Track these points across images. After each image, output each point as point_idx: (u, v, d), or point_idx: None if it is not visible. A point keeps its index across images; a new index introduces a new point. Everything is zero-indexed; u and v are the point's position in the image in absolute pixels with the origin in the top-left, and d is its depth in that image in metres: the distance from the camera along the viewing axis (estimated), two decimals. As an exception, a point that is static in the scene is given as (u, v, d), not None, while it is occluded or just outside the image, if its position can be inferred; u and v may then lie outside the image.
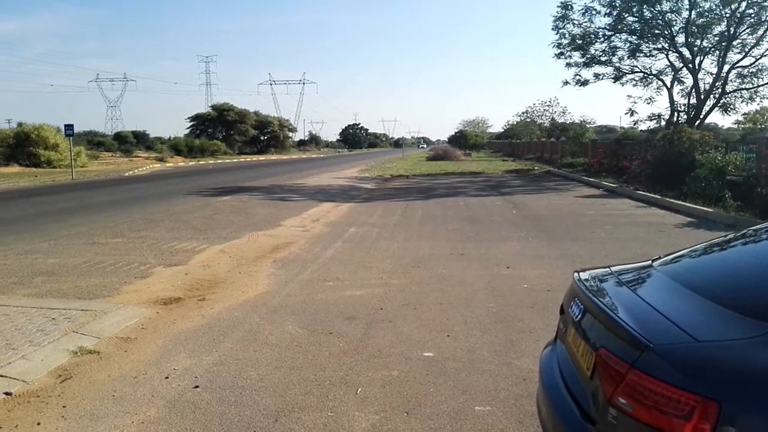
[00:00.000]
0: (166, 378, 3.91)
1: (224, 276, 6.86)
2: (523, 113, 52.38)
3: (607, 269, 2.65)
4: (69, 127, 28.38)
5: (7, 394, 3.62)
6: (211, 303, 5.72)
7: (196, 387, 3.76)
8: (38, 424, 3.27)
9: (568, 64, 24.68)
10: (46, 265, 7.25)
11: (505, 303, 5.56)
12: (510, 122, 63.02)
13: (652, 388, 1.68)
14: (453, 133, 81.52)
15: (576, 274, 2.58)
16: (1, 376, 3.83)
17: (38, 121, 41.01)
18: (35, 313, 5.19)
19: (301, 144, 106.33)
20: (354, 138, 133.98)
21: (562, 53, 24.42)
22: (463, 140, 70.64)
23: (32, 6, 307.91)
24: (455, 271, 6.96)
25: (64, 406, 3.49)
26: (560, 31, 23.95)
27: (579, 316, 2.28)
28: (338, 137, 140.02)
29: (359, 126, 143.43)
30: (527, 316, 5.11)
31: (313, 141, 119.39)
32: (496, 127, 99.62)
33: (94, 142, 62.36)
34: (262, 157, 64.03)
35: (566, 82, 25.58)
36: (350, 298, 5.87)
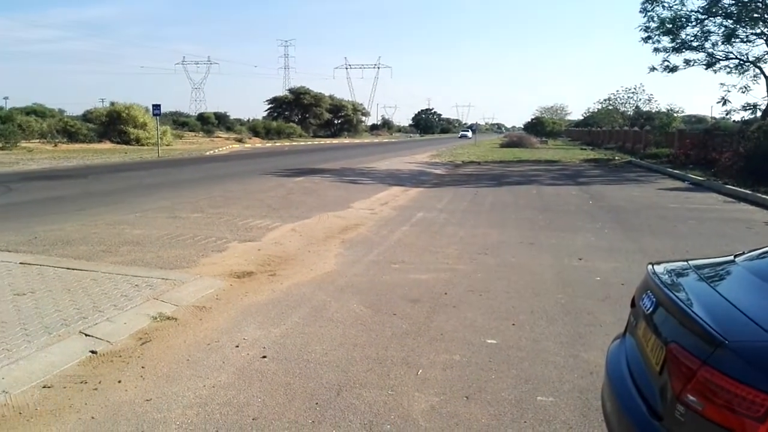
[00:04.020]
0: (237, 347, 4.09)
1: (294, 253, 7.05)
2: (604, 100, 50.33)
3: (685, 263, 2.53)
4: (156, 107, 29.92)
5: (92, 352, 3.91)
6: (281, 278, 5.91)
7: (264, 357, 3.91)
8: (119, 381, 3.51)
9: (656, 50, 23.50)
10: (132, 236, 7.71)
11: (574, 295, 5.41)
12: (590, 109, 60.73)
13: (725, 387, 1.60)
14: (529, 120, 79.35)
15: (650, 266, 2.48)
16: (88, 335, 4.13)
17: (129, 101, 43.39)
18: (120, 279, 5.55)
19: (374, 128, 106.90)
20: (426, 123, 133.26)
21: (649, 37, 23.25)
22: (540, 127, 68.58)
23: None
24: (524, 260, 6.83)
25: (143, 367, 3.73)
26: (648, 13, 22.77)
27: (651, 309, 2.19)
28: (410, 122, 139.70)
29: (432, 111, 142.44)
30: (598, 310, 4.95)
31: (386, 125, 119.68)
32: (576, 114, 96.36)
33: (179, 122, 65.24)
34: (335, 141, 65.01)
35: (653, 68, 24.36)
36: (415, 281, 5.90)
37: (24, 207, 10.88)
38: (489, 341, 4.23)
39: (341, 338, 4.28)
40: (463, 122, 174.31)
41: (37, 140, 34.44)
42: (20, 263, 6.09)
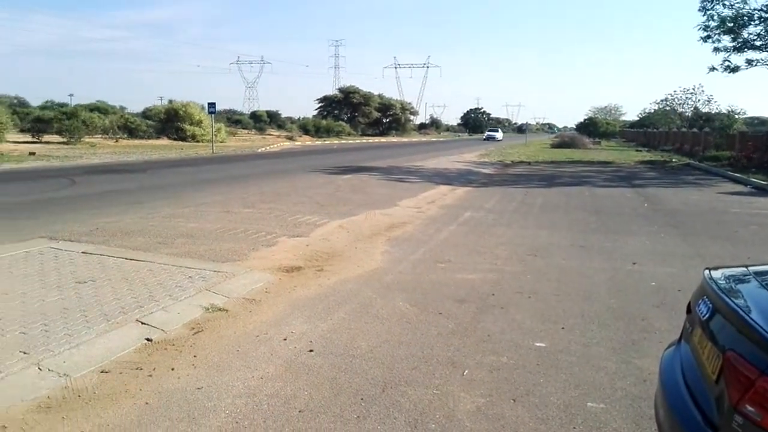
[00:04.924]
0: (285, 340, 4.16)
1: (341, 250, 7.11)
2: (661, 101, 48.65)
3: (744, 268, 2.42)
4: (212, 105, 30.76)
5: (148, 340, 4.05)
6: (328, 274, 5.97)
7: (311, 351, 3.96)
8: (172, 369, 3.63)
9: (716, 49, 22.51)
10: (187, 229, 7.95)
11: (628, 300, 5.25)
12: (646, 110, 58.82)
13: None
14: (581, 120, 77.51)
15: (707, 272, 2.38)
16: (144, 324, 4.29)
17: (186, 99, 44.84)
18: (175, 270, 5.73)
19: (422, 127, 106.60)
20: (475, 122, 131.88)
21: (709, 36, 22.30)
22: (593, 128, 66.94)
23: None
24: (575, 263, 6.68)
25: (194, 356, 3.84)
26: (708, 12, 21.83)
27: (707, 316, 2.11)
28: (459, 121, 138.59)
29: (481, 110, 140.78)
30: (652, 316, 4.79)
31: (434, 124, 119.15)
32: (631, 114, 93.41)
33: (233, 119, 66.96)
34: (383, 139, 65.19)
35: (713, 68, 23.34)
36: (462, 281, 5.85)
37: (86, 199, 11.38)
38: (537, 344, 4.15)
39: (386, 335, 4.29)
40: (513, 122, 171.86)
41: (100, 136, 35.95)
42: (82, 252, 6.37)
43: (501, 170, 22.03)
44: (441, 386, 3.46)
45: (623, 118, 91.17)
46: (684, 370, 2.22)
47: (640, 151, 39.49)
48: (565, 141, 47.18)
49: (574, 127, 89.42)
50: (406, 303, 5.08)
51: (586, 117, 79.63)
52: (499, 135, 71.78)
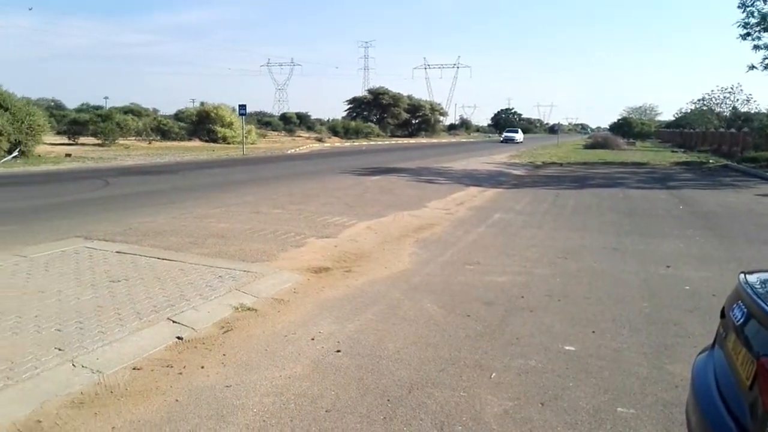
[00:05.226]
0: (312, 340, 4.18)
1: (369, 251, 7.12)
2: (698, 101, 47.44)
3: None
4: (242, 107, 31.18)
5: (178, 338, 4.12)
6: (356, 275, 5.98)
7: (338, 351, 3.98)
8: (202, 367, 3.68)
9: (756, 47, 21.83)
10: (217, 229, 8.07)
11: (661, 304, 5.13)
12: (682, 110, 57.43)
13: None
14: (615, 120, 76.12)
15: (742, 275, 2.32)
16: (175, 322, 4.36)
17: (217, 101, 45.53)
18: (206, 270, 5.82)
19: (452, 128, 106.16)
20: (506, 123, 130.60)
21: (749, 34, 21.67)
22: (627, 128, 65.70)
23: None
24: (607, 266, 6.56)
25: (224, 354, 3.89)
26: (748, 9, 21.24)
27: (742, 321, 2.04)
28: (489, 122, 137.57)
29: (512, 111, 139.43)
30: (686, 320, 4.68)
31: (464, 125, 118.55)
32: (666, 115, 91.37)
33: (263, 121, 67.71)
34: (412, 140, 65.11)
35: (752, 67, 22.69)
36: (490, 283, 5.80)
37: (120, 200, 11.65)
38: (567, 348, 4.09)
39: (414, 337, 4.28)
40: (545, 122, 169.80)
41: (133, 137, 36.79)
42: (116, 252, 6.52)
43: (532, 171, 21.79)
44: (468, 389, 3.44)
45: (659, 118, 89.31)
46: (717, 375, 2.16)
47: (676, 152, 38.60)
48: (598, 142, 46.47)
49: (608, 127, 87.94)
50: (434, 305, 5.05)
51: (620, 117, 78.25)
52: (518, 136, 62.33)
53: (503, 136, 65.49)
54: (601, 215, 10.51)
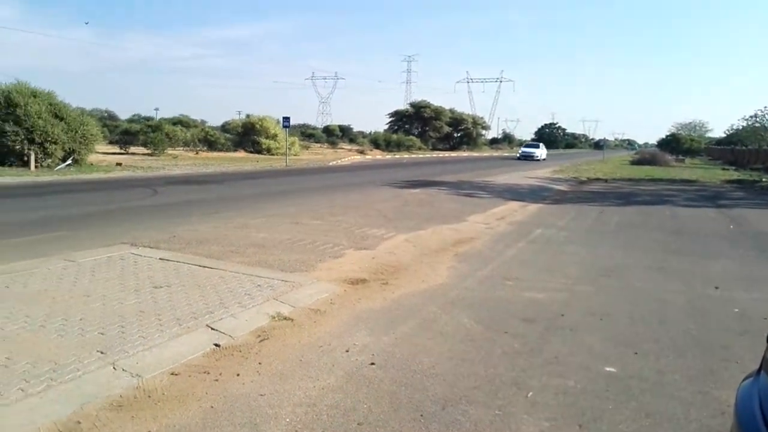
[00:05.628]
0: (347, 351, 4.18)
1: (407, 264, 7.09)
2: (750, 117, 45.72)
3: None
4: (286, 119, 31.69)
5: (216, 345, 4.18)
6: (393, 287, 5.96)
7: (372, 364, 3.96)
8: (237, 375, 3.72)
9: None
10: (258, 239, 8.19)
11: (708, 326, 4.93)
12: (734, 127, 55.47)
13: None
14: (663, 137, 74.12)
15: None
16: (214, 329, 4.43)
17: (262, 113, 46.56)
18: (245, 278, 5.90)
19: (494, 142, 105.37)
20: (549, 137, 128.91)
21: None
22: (676, 144, 63.89)
23: (267, 12, 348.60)
24: (651, 285, 6.35)
25: (259, 363, 3.92)
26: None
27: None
28: (533, 136, 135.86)
29: (556, 125, 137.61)
30: (734, 344, 4.47)
31: (506, 139, 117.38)
32: (717, 131, 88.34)
33: (307, 133, 68.87)
34: (453, 154, 64.89)
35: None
36: (530, 300, 5.69)
37: (166, 208, 11.98)
38: (607, 369, 3.96)
39: (449, 352, 4.22)
40: (590, 137, 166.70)
41: (181, 148, 37.90)
42: (160, 259, 6.69)
43: (575, 187, 21.38)
44: (503, 407, 3.36)
45: (709, 135, 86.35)
46: (762, 403, 2.05)
47: (727, 169, 37.29)
48: (645, 158, 45.36)
49: (656, 143, 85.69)
50: (471, 320, 4.98)
51: (668, 133, 76.19)
52: (539, 152, 50.88)
53: (520, 151, 53.64)
54: (646, 233, 10.21)
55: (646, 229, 10.75)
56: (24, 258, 6.58)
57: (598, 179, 25.37)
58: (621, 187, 21.29)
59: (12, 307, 4.71)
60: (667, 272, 7.04)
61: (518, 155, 52.20)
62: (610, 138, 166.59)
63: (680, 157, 53.38)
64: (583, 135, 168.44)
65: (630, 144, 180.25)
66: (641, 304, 5.58)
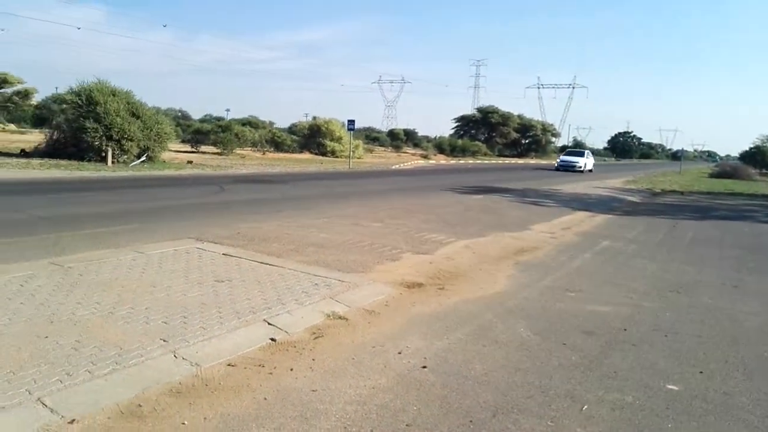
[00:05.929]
0: (399, 353, 4.18)
1: (465, 270, 7.02)
2: None
3: None
4: (351, 122, 32.10)
5: (272, 340, 4.28)
6: (449, 293, 5.92)
7: (424, 367, 3.94)
8: (291, 369, 3.80)
9: None
10: (318, 239, 8.33)
11: (786, 350, 4.61)
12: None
13: None
14: (747, 149, 69.98)
15: None
16: (270, 324, 4.54)
17: (329, 115, 47.40)
18: (303, 277, 6.02)
19: (563, 150, 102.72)
20: (623, 147, 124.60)
21: None
22: (760, 157, 60.16)
23: (338, 16, 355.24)
24: (724, 304, 6.01)
25: (313, 359, 3.99)
26: None
27: None
28: (606, 145, 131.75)
29: (631, 134, 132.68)
30: (816, 371, 4.16)
31: (577, 147, 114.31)
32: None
33: (371, 137, 69.54)
34: (520, 161, 63.79)
35: None
36: (591, 312, 5.50)
37: (232, 206, 12.39)
38: (669, 387, 3.78)
39: (503, 361, 4.15)
40: (668, 147, 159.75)
41: (249, 148, 39.12)
42: (223, 254, 6.93)
43: (648, 199, 20.53)
44: (556, 419, 3.27)
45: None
46: None
47: (818, 184, 34.77)
48: (726, 171, 43.07)
49: (738, 156, 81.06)
50: (528, 330, 4.88)
51: (752, 146, 71.88)
52: (582, 161, 41.98)
53: (559, 160, 44.48)
54: (722, 249, 9.67)
55: (722, 245, 10.19)
56: (98, 248, 6.98)
57: (673, 191, 24.27)
58: (698, 201, 20.28)
59: (84, 294, 5.00)
60: (743, 291, 6.64)
61: (555, 165, 43.68)
62: (689, 149, 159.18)
63: (765, 171, 50.23)
64: (660, 145, 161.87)
65: (710, 156, 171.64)
66: (711, 323, 5.29)
